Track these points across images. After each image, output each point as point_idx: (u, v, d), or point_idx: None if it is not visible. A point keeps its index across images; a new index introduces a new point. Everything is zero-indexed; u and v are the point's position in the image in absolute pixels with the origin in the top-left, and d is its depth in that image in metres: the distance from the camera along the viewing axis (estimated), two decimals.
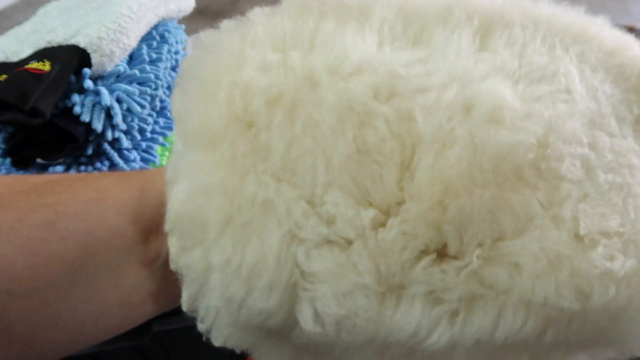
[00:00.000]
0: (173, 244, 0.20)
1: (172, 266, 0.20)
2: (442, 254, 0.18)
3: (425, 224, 0.17)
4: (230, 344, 0.20)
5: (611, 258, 0.18)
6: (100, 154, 0.43)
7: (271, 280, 0.18)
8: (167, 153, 0.51)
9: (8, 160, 0.42)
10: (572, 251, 0.18)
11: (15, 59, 0.43)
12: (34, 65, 0.40)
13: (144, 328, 0.44)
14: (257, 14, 0.22)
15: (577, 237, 0.18)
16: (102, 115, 0.41)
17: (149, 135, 0.47)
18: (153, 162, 0.47)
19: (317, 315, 0.18)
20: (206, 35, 0.22)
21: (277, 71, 0.19)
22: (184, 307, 0.20)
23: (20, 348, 0.20)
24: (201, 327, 0.20)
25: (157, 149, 0.49)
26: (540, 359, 0.19)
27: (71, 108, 0.40)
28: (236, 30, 0.21)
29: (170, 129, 0.49)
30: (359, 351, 0.20)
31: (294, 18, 0.21)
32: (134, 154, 0.45)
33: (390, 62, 0.19)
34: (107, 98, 0.41)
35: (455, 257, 0.18)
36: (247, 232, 0.18)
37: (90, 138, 0.42)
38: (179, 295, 0.22)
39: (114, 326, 0.23)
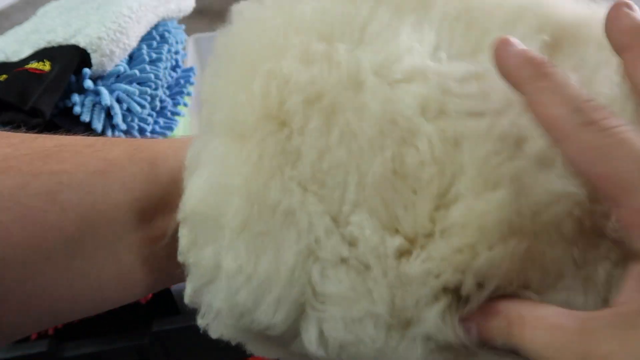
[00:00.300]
0: (184, 235, 0.19)
1: (180, 258, 0.19)
2: (458, 299, 0.17)
3: (452, 265, 0.16)
4: (226, 338, 0.20)
5: None
6: None
7: (281, 296, 0.17)
8: None
9: None
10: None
11: (15, 59, 0.43)
12: (34, 65, 0.40)
13: (144, 328, 0.44)
14: None
15: (605, 302, 0.16)
16: (102, 115, 0.41)
17: (149, 135, 0.47)
18: None
19: (322, 337, 0.17)
20: (248, 8, 0.20)
21: (320, 65, 0.17)
22: (186, 300, 0.20)
23: (16, 314, 0.20)
24: (201, 321, 0.20)
25: None
26: None
27: (71, 108, 0.40)
28: (282, 7, 0.19)
29: (170, 128, 0.49)
30: None
31: (345, 0, 0.19)
32: None
33: (444, 73, 0.17)
34: (107, 98, 0.41)
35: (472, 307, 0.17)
36: (264, 242, 0.17)
37: None
38: (174, 276, 0.21)
39: (112, 299, 0.22)
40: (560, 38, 0.19)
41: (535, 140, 0.16)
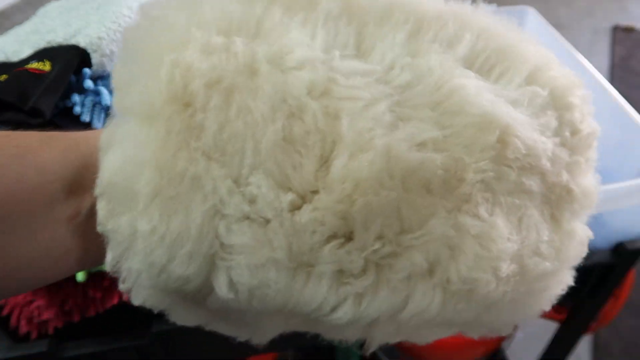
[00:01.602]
0: (102, 207, 0.21)
1: (99, 228, 0.21)
2: (349, 239, 0.20)
3: (334, 214, 0.19)
4: (148, 305, 0.21)
5: (502, 260, 0.20)
6: None
7: (192, 250, 0.19)
8: None
9: None
10: (471, 244, 0.20)
11: (15, 59, 0.43)
12: (34, 65, 0.40)
13: (144, 328, 0.44)
14: None
15: (474, 236, 0.20)
16: (102, 115, 0.41)
17: None
18: None
19: (231, 284, 0.20)
20: (153, 7, 0.23)
21: (219, 55, 0.20)
22: (108, 268, 0.21)
23: None
24: (122, 287, 0.21)
25: None
26: (422, 330, 0.23)
27: (71, 108, 0.40)
28: (184, 7, 0.22)
29: None
30: (268, 318, 0.22)
31: (242, 1, 0.21)
32: None
33: (332, 67, 0.20)
34: (107, 98, 0.41)
35: (361, 245, 0.20)
36: (174, 205, 0.19)
37: None
38: (99, 252, 0.23)
39: (35, 278, 0.24)
40: (421, 24, 0.22)
41: (405, 127, 0.20)
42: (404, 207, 0.19)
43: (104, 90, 0.41)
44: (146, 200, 0.19)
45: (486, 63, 0.22)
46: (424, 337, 0.23)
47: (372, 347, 0.23)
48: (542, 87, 0.22)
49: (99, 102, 0.41)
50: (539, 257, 0.22)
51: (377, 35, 0.22)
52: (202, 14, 0.21)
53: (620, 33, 1.94)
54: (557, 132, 0.22)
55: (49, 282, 0.25)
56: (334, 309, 0.20)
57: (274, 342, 0.24)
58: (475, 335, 0.25)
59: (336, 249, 0.19)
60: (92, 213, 0.23)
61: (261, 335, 0.23)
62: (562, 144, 0.22)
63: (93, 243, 0.24)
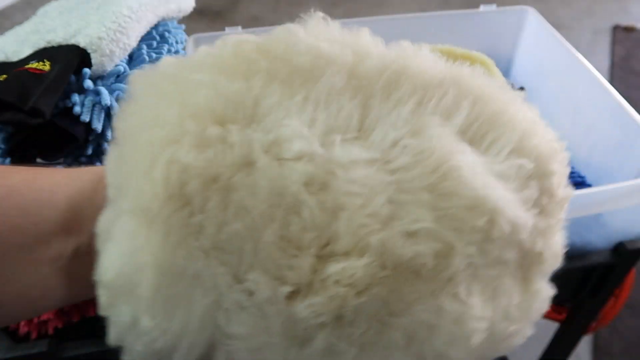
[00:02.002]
0: (102, 295, 0.21)
1: (101, 312, 0.21)
2: (340, 326, 0.20)
3: (329, 309, 0.20)
4: None
5: (474, 336, 0.22)
6: (100, 154, 0.43)
7: (194, 340, 0.20)
8: None
9: (8, 160, 0.42)
10: (447, 324, 0.21)
11: (15, 59, 0.43)
12: (34, 65, 0.40)
13: None
14: (202, 65, 0.22)
15: (452, 318, 0.21)
16: (102, 115, 0.41)
17: None
18: None
19: None
20: (143, 89, 0.22)
21: (215, 148, 0.20)
22: (110, 342, 0.22)
23: None
24: (126, 358, 0.22)
25: None
26: None
27: (71, 108, 0.40)
28: (177, 91, 0.21)
29: None
30: None
31: (239, 77, 0.21)
32: None
33: (331, 159, 0.20)
34: (107, 98, 0.41)
35: (351, 331, 0.20)
36: (176, 301, 0.20)
37: (90, 138, 0.42)
38: (80, 290, 0.24)
39: (16, 316, 0.25)
40: (425, 94, 0.22)
41: (402, 220, 0.20)
42: (392, 296, 0.20)
43: (103, 90, 0.41)
44: (148, 301, 0.20)
45: (479, 131, 0.23)
46: None
47: None
48: (528, 157, 0.23)
49: (99, 102, 0.41)
50: (508, 321, 0.23)
51: (382, 110, 0.22)
52: (196, 102, 0.21)
53: (620, 33, 1.94)
54: (536, 203, 0.23)
55: (28, 318, 0.26)
56: None
57: None
58: None
59: (328, 334, 0.20)
60: (75, 255, 0.24)
61: None
62: (540, 212, 0.23)
63: (77, 282, 0.24)
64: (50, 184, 0.24)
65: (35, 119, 0.38)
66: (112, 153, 0.22)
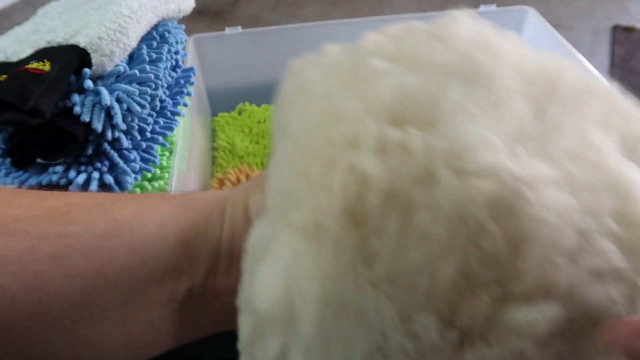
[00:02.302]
0: (246, 326, 0.18)
1: (240, 347, 0.19)
2: None
3: None
4: None
5: None
6: (100, 154, 0.43)
7: None
8: (167, 153, 0.51)
9: (8, 160, 0.42)
10: None
11: (15, 59, 0.43)
12: (34, 65, 0.40)
13: None
14: (378, 53, 0.18)
15: None
16: (102, 115, 0.41)
17: (149, 135, 0.47)
18: (153, 162, 0.47)
19: None
20: (310, 76, 0.19)
21: (394, 156, 0.17)
22: None
23: None
24: None
25: (157, 148, 0.49)
26: None
27: (71, 108, 0.40)
28: (352, 80, 0.18)
29: (170, 129, 0.49)
30: None
31: (417, 69, 0.18)
32: (134, 154, 0.45)
33: (518, 176, 0.16)
34: (107, 98, 0.41)
35: None
36: (336, 342, 0.17)
37: (90, 138, 0.42)
38: (190, 335, 0.22)
39: None
40: (580, 99, 0.19)
41: (590, 256, 0.16)
42: (572, 352, 0.17)
43: (103, 91, 0.41)
44: (307, 337, 0.17)
45: (630, 146, 0.19)
46: None
47: None
48: None
49: (99, 102, 0.41)
50: None
51: (556, 118, 0.18)
52: (376, 93, 0.18)
53: (620, 33, 1.93)
54: None
55: None
56: None
57: None
58: None
59: None
60: (188, 297, 0.21)
61: None
62: None
63: (188, 327, 0.22)
64: (161, 216, 0.21)
65: (35, 119, 0.38)
66: (277, 145, 0.19)
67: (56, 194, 0.23)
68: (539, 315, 0.16)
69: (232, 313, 0.20)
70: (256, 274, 0.18)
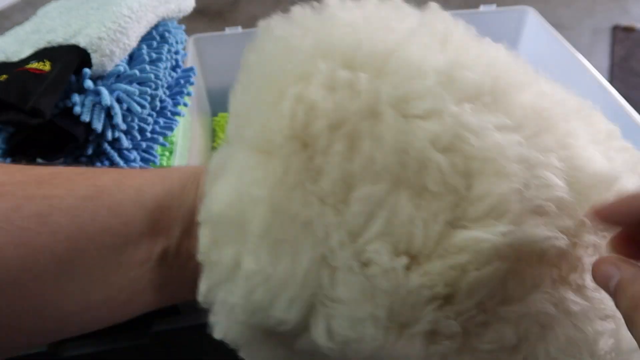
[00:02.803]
0: (205, 235, 0.20)
1: (199, 257, 0.20)
2: (448, 302, 0.19)
3: (443, 280, 0.18)
4: (227, 339, 0.21)
5: (599, 341, 0.19)
6: (100, 154, 0.43)
7: (295, 295, 0.19)
8: (167, 153, 0.51)
9: (8, 160, 0.42)
10: (565, 324, 0.19)
11: (15, 59, 0.43)
12: (34, 65, 0.40)
13: (144, 328, 0.44)
14: (347, 5, 0.21)
15: (571, 315, 0.19)
16: (102, 115, 0.41)
17: (149, 135, 0.47)
18: (153, 162, 0.47)
19: (329, 332, 0.19)
20: (278, 26, 0.21)
21: (342, 93, 0.19)
22: (200, 298, 0.21)
23: (7, 332, 0.21)
24: (212, 319, 0.21)
25: (157, 148, 0.49)
26: None
27: (71, 108, 0.40)
28: (312, 28, 0.20)
29: (170, 129, 0.49)
30: None
31: (381, 22, 0.20)
32: (134, 154, 0.45)
33: (462, 122, 0.18)
34: (107, 98, 0.41)
35: (460, 310, 0.19)
36: (283, 247, 0.18)
37: (90, 138, 0.42)
38: (167, 295, 0.23)
39: (99, 320, 0.24)
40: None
41: (538, 190, 0.18)
42: (511, 278, 0.19)
43: (103, 90, 0.41)
44: (256, 239, 0.19)
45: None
46: None
47: None
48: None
49: (99, 102, 0.41)
50: None
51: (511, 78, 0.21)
52: (330, 40, 0.20)
53: (620, 33, 1.93)
54: None
55: (115, 323, 0.25)
56: None
57: None
58: None
59: (435, 311, 0.18)
60: (164, 257, 0.23)
61: None
62: None
63: (164, 287, 0.23)
64: (139, 183, 0.23)
65: (35, 119, 0.38)
66: (238, 84, 0.21)
67: (40, 166, 0.24)
68: (488, 234, 0.18)
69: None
70: (213, 187, 0.20)
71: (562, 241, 0.18)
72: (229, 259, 0.19)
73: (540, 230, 0.18)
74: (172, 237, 0.23)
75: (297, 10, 0.22)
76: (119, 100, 0.42)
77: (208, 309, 0.22)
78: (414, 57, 0.19)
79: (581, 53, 0.65)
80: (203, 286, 0.20)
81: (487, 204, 0.18)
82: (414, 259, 0.18)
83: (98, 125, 0.40)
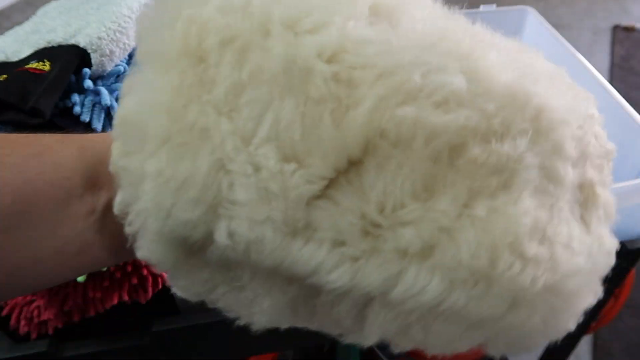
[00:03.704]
0: (116, 148, 0.21)
1: (111, 168, 0.22)
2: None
3: (326, 168, 0.19)
4: (154, 259, 0.22)
5: (529, 240, 0.19)
6: None
7: (196, 196, 0.20)
8: None
9: None
10: (487, 218, 0.19)
11: (15, 59, 0.43)
12: (34, 65, 0.40)
13: (144, 328, 0.44)
14: None
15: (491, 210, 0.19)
16: (102, 115, 0.41)
17: None
18: None
19: (230, 233, 0.20)
20: None
21: (235, 15, 0.20)
22: (116, 210, 0.22)
23: None
24: (128, 229, 0.22)
25: None
26: (434, 327, 0.21)
27: (71, 108, 0.40)
28: None
29: None
30: (266, 283, 0.22)
31: None
32: None
33: (347, 34, 0.20)
34: (107, 98, 0.41)
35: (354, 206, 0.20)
36: (182, 151, 0.20)
37: None
38: (114, 249, 0.25)
39: (51, 273, 0.25)
40: None
41: (423, 95, 0.19)
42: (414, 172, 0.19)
43: (103, 90, 0.41)
44: (156, 143, 0.20)
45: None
46: (437, 339, 0.22)
47: (373, 338, 0.22)
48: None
49: (99, 102, 0.41)
50: (571, 251, 0.20)
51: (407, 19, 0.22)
52: None
53: (620, 33, 1.94)
54: (584, 131, 0.22)
55: (65, 280, 0.26)
56: (329, 272, 0.20)
57: (274, 340, 0.24)
58: (497, 351, 0.23)
59: (324, 207, 0.19)
60: (108, 210, 0.24)
61: (260, 312, 0.23)
62: (588, 144, 0.22)
63: (111, 239, 0.25)
64: (80, 143, 0.24)
65: (35, 119, 0.38)
66: (141, 14, 0.23)
67: None
68: (381, 116, 0.19)
69: None
70: (121, 102, 0.21)
71: (472, 134, 0.19)
72: (134, 165, 0.20)
73: (441, 117, 0.19)
74: (114, 191, 0.24)
75: None
76: (118, 100, 0.42)
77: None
78: None
79: (581, 53, 0.65)
80: (118, 198, 0.22)
81: (365, 108, 0.19)
82: (299, 164, 0.20)
83: (98, 125, 0.41)
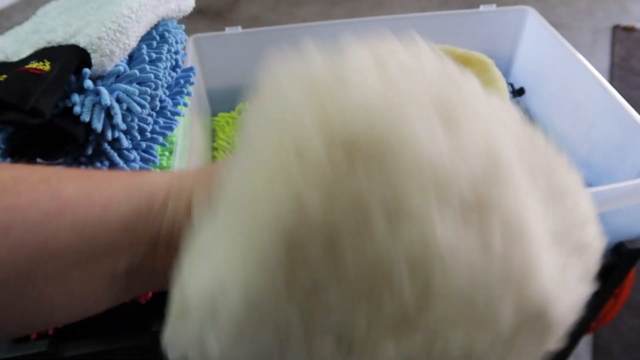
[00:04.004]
0: (178, 302, 0.20)
1: (168, 319, 0.21)
2: None
3: None
4: None
5: None
6: (100, 154, 0.43)
7: None
8: (167, 153, 0.51)
9: (8, 160, 0.42)
10: None
11: (15, 59, 0.43)
12: (34, 65, 0.40)
13: (144, 328, 0.44)
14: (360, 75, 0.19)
15: None
16: (102, 115, 0.41)
17: (149, 135, 0.47)
18: (153, 162, 0.47)
19: None
20: (282, 81, 0.20)
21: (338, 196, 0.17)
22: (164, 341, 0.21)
23: None
24: None
25: (157, 148, 0.49)
26: None
27: (71, 108, 0.40)
28: (317, 96, 0.19)
29: (170, 129, 0.49)
30: None
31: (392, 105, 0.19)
32: (134, 154, 0.45)
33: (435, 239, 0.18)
34: (107, 98, 0.41)
35: None
36: (247, 338, 0.19)
37: (90, 138, 0.42)
38: (126, 298, 0.25)
39: (64, 320, 0.25)
40: None
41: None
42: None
43: (103, 90, 0.41)
44: (225, 331, 0.19)
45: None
46: None
47: None
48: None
49: (99, 102, 0.41)
50: None
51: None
52: (335, 119, 0.18)
53: (620, 33, 1.93)
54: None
55: (79, 319, 0.25)
56: None
57: None
58: None
59: None
60: (128, 272, 0.24)
61: None
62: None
63: (128, 294, 0.25)
64: (104, 199, 0.23)
65: (35, 119, 0.38)
66: (237, 159, 0.20)
67: (4, 166, 0.24)
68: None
69: (166, 284, 0.22)
70: (196, 267, 0.20)
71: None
72: (194, 336, 0.20)
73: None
74: (136, 257, 0.24)
75: (311, 62, 0.20)
76: (118, 100, 0.42)
77: None
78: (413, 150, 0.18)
79: (581, 53, 0.65)
80: (167, 336, 0.21)
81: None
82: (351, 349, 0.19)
83: (98, 125, 0.40)
